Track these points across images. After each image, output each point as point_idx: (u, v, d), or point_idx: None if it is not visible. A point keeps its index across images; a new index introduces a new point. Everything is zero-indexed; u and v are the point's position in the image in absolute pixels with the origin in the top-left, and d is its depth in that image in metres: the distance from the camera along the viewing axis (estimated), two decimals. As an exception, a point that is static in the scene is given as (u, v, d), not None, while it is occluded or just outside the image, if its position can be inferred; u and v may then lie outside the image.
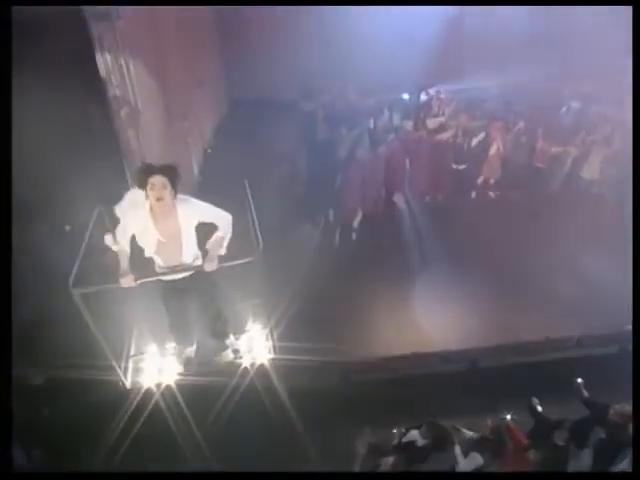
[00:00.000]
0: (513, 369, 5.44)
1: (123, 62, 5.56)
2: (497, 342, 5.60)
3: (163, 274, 3.61)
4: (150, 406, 4.19)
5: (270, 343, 4.24)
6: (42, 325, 4.62)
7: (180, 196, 3.36)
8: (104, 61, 5.25)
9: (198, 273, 3.61)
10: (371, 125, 7.96)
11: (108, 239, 3.66)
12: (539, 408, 4.30)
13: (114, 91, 5.39)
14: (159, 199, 3.20)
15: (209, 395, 4.44)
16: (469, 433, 4.07)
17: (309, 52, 9.47)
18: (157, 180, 3.18)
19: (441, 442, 3.85)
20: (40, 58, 4.71)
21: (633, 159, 3.78)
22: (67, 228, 4.83)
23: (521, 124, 7.91)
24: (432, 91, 8.64)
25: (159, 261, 3.60)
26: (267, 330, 4.19)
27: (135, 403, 4.20)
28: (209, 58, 9.67)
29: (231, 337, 4.32)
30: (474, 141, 7.90)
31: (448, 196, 8.38)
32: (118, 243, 3.47)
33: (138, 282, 3.44)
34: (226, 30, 9.89)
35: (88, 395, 4.55)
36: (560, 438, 3.93)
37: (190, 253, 3.57)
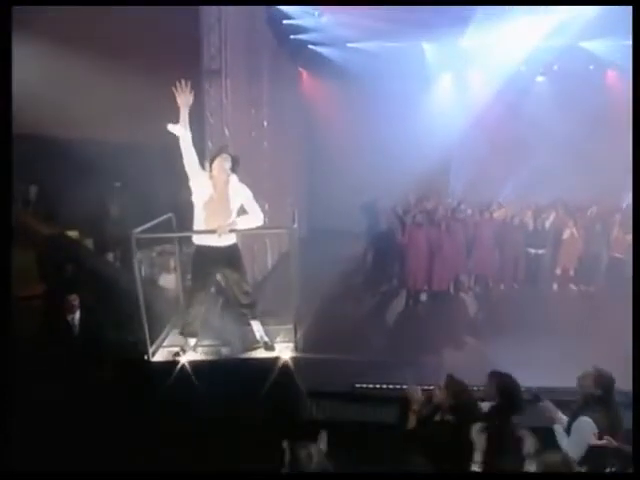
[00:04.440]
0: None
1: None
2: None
3: (199, 232, 4.04)
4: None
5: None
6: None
7: (236, 179, 4.09)
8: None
9: (231, 248, 4.08)
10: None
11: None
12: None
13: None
14: (222, 165, 3.96)
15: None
16: (564, 417, 3.18)
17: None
18: (225, 156, 4.03)
19: (512, 396, 2.85)
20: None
21: (633, 163, 3.59)
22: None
23: (594, 208, 7.83)
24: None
25: (200, 221, 4.03)
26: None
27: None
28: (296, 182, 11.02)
29: (260, 328, 4.35)
30: (547, 223, 7.79)
31: (525, 284, 7.96)
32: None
33: None
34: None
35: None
36: None
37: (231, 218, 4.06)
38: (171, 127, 3.83)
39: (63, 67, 6.75)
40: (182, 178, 5.52)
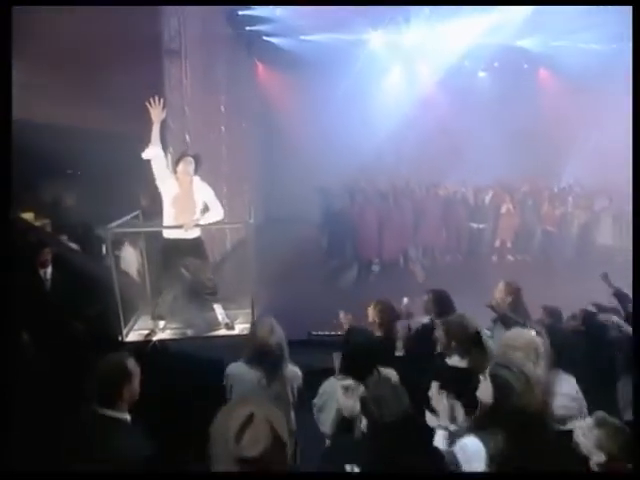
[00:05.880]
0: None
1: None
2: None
3: (168, 227, 4.49)
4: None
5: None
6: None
7: (198, 179, 4.52)
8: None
9: (196, 240, 4.56)
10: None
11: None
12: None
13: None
14: (186, 169, 4.37)
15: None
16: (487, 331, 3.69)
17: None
18: (188, 159, 4.43)
19: (445, 302, 3.39)
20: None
21: (633, 163, 3.58)
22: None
23: (526, 186, 8.62)
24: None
25: (170, 218, 4.44)
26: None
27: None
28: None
29: (222, 311, 4.78)
30: (486, 200, 8.52)
31: (467, 255, 8.65)
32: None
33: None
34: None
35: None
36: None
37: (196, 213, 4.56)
38: (145, 154, 4.23)
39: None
40: (138, 164, 5.92)
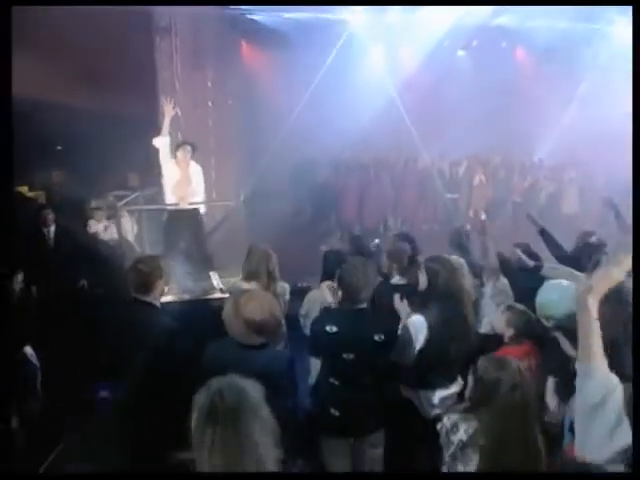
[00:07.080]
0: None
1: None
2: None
3: (170, 205, 5.43)
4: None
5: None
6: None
7: (194, 162, 5.43)
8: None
9: (195, 211, 5.44)
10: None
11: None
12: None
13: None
14: (185, 157, 5.25)
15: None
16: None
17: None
18: (187, 148, 5.34)
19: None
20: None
21: (633, 162, 3.94)
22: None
23: (498, 159, 9.18)
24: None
25: (171, 196, 5.34)
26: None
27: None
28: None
29: (217, 277, 5.44)
30: (460, 170, 9.06)
31: (442, 224, 9.22)
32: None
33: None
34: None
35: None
36: None
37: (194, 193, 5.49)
38: (155, 141, 5.07)
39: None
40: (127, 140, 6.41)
